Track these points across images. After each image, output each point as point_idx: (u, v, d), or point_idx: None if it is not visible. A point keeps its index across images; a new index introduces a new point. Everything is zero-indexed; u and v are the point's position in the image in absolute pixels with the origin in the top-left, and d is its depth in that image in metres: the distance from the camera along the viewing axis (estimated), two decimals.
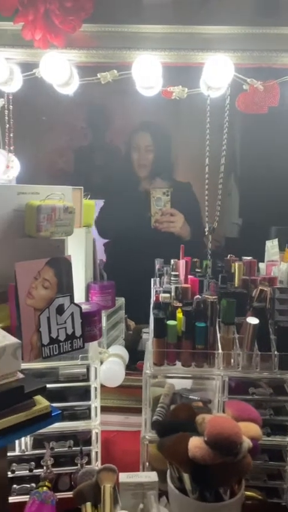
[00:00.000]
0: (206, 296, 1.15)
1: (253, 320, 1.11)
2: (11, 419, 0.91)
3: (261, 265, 1.45)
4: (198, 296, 1.17)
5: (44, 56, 1.32)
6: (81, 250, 1.36)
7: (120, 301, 1.66)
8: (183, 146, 1.57)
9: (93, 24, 1.38)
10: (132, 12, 1.39)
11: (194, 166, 1.56)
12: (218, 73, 1.32)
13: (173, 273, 1.39)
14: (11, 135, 1.47)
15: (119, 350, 1.53)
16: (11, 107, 1.47)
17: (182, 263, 1.42)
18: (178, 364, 1.15)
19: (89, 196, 1.49)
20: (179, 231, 1.61)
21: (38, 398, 0.97)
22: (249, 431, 0.95)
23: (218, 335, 1.14)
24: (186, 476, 0.94)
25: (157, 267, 1.55)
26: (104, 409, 1.31)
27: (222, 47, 1.36)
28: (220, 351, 1.13)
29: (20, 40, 1.36)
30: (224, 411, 1.12)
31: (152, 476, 1.03)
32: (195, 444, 0.90)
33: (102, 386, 1.36)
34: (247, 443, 0.91)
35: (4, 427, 0.90)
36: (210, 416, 0.98)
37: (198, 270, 1.52)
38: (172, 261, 1.44)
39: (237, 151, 1.54)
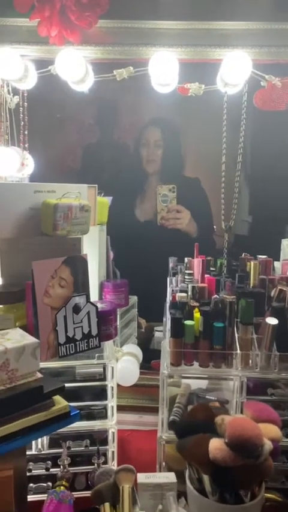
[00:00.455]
0: (224, 296, 1.14)
1: (272, 320, 1.09)
2: (31, 419, 0.91)
3: (277, 264, 1.43)
4: (216, 296, 1.15)
5: (59, 52, 1.31)
6: (95, 248, 1.35)
7: (133, 299, 1.65)
8: (194, 142, 1.56)
9: (109, 20, 1.36)
10: (148, 8, 1.37)
11: (204, 162, 1.55)
12: (235, 69, 1.30)
13: (187, 271, 1.38)
14: (26, 132, 1.46)
15: (133, 349, 1.53)
16: (26, 104, 1.46)
17: (196, 262, 1.40)
18: (195, 364, 1.14)
19: (102, 194, 1.48)
20: (186, 228, 1.59)
21: (57, 398, 0.97)
22: (269, 432, 0.94)
23: (236, 335, 1.13)
24: (206, 478, 0.93)
25: (171, 265, 1.54)
26: (118, 408, 1.30)
27: (240, 43, 1.34)
28: (238, 351, 1.12)
29: (36, 37, 1.35)
30: (242, 412, 1.11)
31: (170, 477, 1.03)
32: (216, 446, 0.89)
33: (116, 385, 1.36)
34: (268, 445, 0.90)
35: (24, 426, 0.90)
36: (229, 417, 0.96)
37: (213, 269, 1.51)
38: (186, 260, 1.43)
39: (248, 148, 1.52)
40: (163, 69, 1.31)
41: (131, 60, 1.40)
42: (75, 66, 1.32)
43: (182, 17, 1.36)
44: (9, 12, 1.35)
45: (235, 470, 0.88)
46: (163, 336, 1.46)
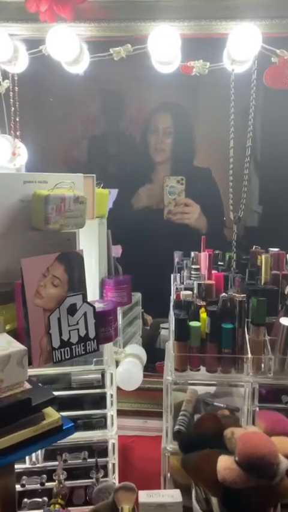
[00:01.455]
0: (234, 294, 1.03)
1: (287, 321, 0.99)
2: (18, 435, 0.82)
3: None
4: (224, 294, 1.05)
5: (50, 29, 1.20)
6: (94, 244, 1.27)
7: (137, 296, 1.57)
8: (203, 128, 1.45)
9: None
10: None
11: (214, 150, 1.45)
12: (243, 44, 1.19)
13: (193, 266, 1.29)
14: (17, 119, 1.36)
15: (137, 350, 1.44)
16: (17, 88, 1.36)
17: (203, 256, 1.30)
18: (202, 369, 1.04)
19: (102, 184, 1.38)
20: (194, 223, 1.50)
21: (48, 410, 0.88)
22: (285, 448, 0.84)
23: (247, 337, 1.03)
24: (214, 499, 0.84)
25: (176, 260, 1.45)
26: (121, 413, 1.22)
27: (248, 15, 1.23)
28: (249, 355, 1.02)
29: (25, 14, 1.25)
30: (254, 422, 1.01)
31: (175, 496, 0.93)
32: (225, 465, 0.80)
33: (118, 389, 1.28)
34: (285, 463, 0.80)
35: (11, 444, 0.81)
36: (240, 431, 0.87)
37: (221, 263, 1.41)
38: (192, 254, 1.34)
39: (257, 132, 1.40)
40: (164, 45, 1.20)
41: (129, 37, 1.30)
42: (68, 45, 1.22)
43: None
44: None
45: (247, 493, 0.79)
46: (168, 335, 1.38)
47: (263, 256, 1.26)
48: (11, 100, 1.35)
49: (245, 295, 1.03)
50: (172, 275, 1.35)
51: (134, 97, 1.45)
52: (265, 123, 1.39)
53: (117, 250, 1.46)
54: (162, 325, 1.64)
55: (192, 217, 1.50)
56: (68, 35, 1.21)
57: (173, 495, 0.94)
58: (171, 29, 1.20)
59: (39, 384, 0.97)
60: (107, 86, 1.44)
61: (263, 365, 1.03)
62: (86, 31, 1.30)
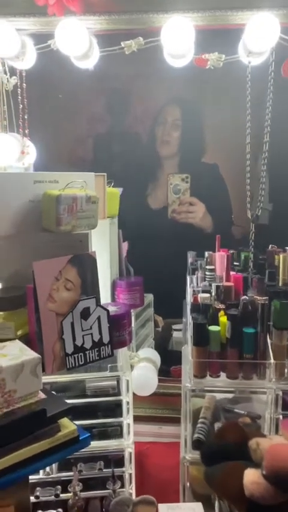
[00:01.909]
0: (255, 297, 0.99)
1: None
2: (33, 448, 0.78)
3: None
4: (245, 297, 1.00)
5: (60, 23, 1.15)
6: (105, 244, 1.23)
7: (149, 297, 1.53)
8: (213, 123, 1.41)
9: None
10: None
11: (223, 146, 1.41)
12: (260, 35, 1.14)
13: (208, 267, 1.24)
14: (26, 116, 1.32)
15: (150, 353, 1.40)
16: (25, 85, 1.31)
17: (218, 256, 1.26)
18: (222, 375, 1.00)
19: (112, 183, 1.33)
20: (199, 222, 1.46)
21: (64, 421, 0.84)
22: None
23: (269, 342, 0.99)
24: None
25: (189, 260, 1.40)
26: (135, 419, 1.17)
27: (266, 3, 1.18)
28: (272, 360, 0.98)
29: (33, 7, 1.21)
30: (277, 430, 0.97)
31: (197, 510, 0.89)
32: (252, 479, 0.75)
33: (133, 394, 1.23)
34: None
35: (25, 457, 0.77)
36: (266, 442, 0.82)
37: (236, 264, 1.37)
38: (206, 254, 1.29)
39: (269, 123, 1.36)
40: (177, 38, 1.15)
41: (141, 30, 1.25)
42: (78, 39, 1.17)
43: None
44: None
45: (275, 508, 0.74)
46: (183, 339, 1.34)
47: (281, 256, 1.21)
48: (19, 97, 1.31)
49: (267, 297, 0.98)
50: (188, 277, 1.30)
51: (143, 92, 1.41)
52: (274, 119, 1.34)
53: (124, 247, 1.41)
54: (174, 327, 1.60)
55: (197, 216, 1.46)
56: (77, 28, 1.17)
57: (194, 508, 0.90)
58: (184, 21, 1.15)
59: (53, 393, 0.93)
60: (115, 81, 1.40)
61: (286, 370, 0.99)
62: (95, 24, 1.25)
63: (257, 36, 1.14)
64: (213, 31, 1.25)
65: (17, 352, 0.81)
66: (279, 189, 1.42)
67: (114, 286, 1.29)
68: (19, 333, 1.02)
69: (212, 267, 1.25)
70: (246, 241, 1.37)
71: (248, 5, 1.19)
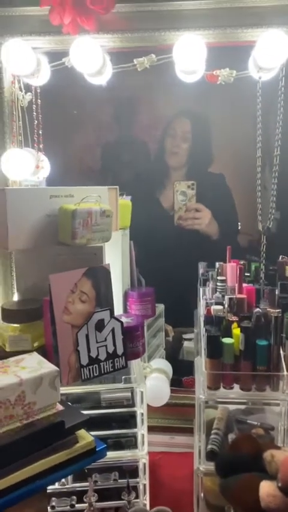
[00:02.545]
0: (268, 309, 1.00)
1: None
2: (50, 460, 0.80)
3: None
4: (258, 310, 1.01)
5: (74, 41, 1.19)
6: (117, 255, 1.25)
7: (160, 307, 1.53)
8: (222, 135, 1.42)
9: (127, 3, 1.23)
10: None
11: (231, 157, 1.42)
12: (271, 51, 1.15)
13: (219, 278, 1.25)
14: (40, 132, 1.35)
15: (162, 364, 1.41)
16: (39, 101, 1.34)
17: (229, 267, 1.27)
18: (236, 387, 1.00)
19: (124, 195, 1.36)
20: (205, 228, 1.46)
21: (81, 432, 0.86)
22: None
23: (282, 354, 0.99)
24: None
25: (200, 271, 1.41)
26: (148, 429, 1.18)
27: (276, 21, 1.19)
28: (285, 372, 0.98)
29: (48, 26, 1.23)
30: None
31: None
32: (268, 491, 0.76)
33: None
34: None
35: (43, 469, 0.79)
36: (281, 454, 0.83)
37: (247, 274, 1.37)
38: (217, 265, 1.30)
39: (272, 139, 1.37)
40: (189, 55, 1.18)
41: (153, 47, 1.27)
42: (92, 57, 1.20)
43: None
44: (18, 0, 1.24)
45: None
46: (194, 350, 1.35)
47: None
48: (34, 113, 1.34)
49: (280, 310, 0.99)
50: (200, 288, 1.31)
51: (154, 104, 1.42)
52: (284, 131, 1.36)
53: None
54: (184, 336, 1.60)
55: (203, 222, 1.46)
56: (91, 46, 1.20)
57: None
58: (196, 38, 1.18)
59: (70, 404, 0.95)
60: (126, 93, 1.42)
61: None
62: (109, 42, 1.28)
63: (267, 53, 1.16)
64: (224, 48, 1.27)
65: (35, 365, 0.83)
66: (286, 197, 1.43)
67: (126, 297, 1.31)
68: (35, 344, 1.04)
69: (223, 277, 1.26)
70: (252, 249, 1.38)
71: (259, 22, 1.21)
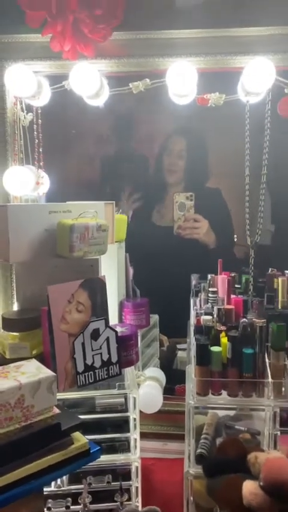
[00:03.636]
0: (254, 319, 1.06)
1: None
2: (47, 459, 0.85)
3: None
4: (244, 319, 1.07)
5: (73, 67, 1.26)
6: (113, 267, 1.31)
7: (154, 318, 1.58)
8: (216, 152, 1.49)
9: (123, 32, 1.31)
10: (164, 17, 1.31)
11: (226, 173, 1.48)
12: (257, 77, 1.23)
13: (210, 289, 1.31)
14: (40, 150, 1.42)
15: (156, 373, 1.46)
16: (40, 121, 1.42)
17: (220, 279, 1.33)
18: (224, 393, 1.06)
19: (120, 210, 1.42)
20: (203, 237, 1.52)
21: (76, 434, 0.91)
22: None
23: (267, 362, 1.05)
24: None
25: (193, 283, 1.47)
26: (141, 436, 1.22)
27: (262, 49, 1.27)
28: (270, 379, 1.04)
29: (48, 52, 1.31)
30: (275, 446, 1.02)
31: None
32: (250, 490, 0.81)
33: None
34: None
35: (40, 468, 0.84)
36: (264, 456, 0.88)
37: (238, 286, 1.43)
38: (209, 276, 1.37)
39: (271, 155, 1.43)
40: (181, 80, 1.25)
41: (147, 72, 1.35)
42: (90, 80, 1.27)
43: (199, 25, 1.30)
44: (21, 29, 1.32)
45: None
46: (187, 359, 1.40)
47: (280, 280, 1.28)
48: (35, 132, 1.41)
49: (265, 320, 1.05)
50: (192, 299, 1.37)
51: (151, 125, 1.49)
52: (279, 147, 1.43)
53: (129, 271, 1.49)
54: (178, 346, 1.65)
55: (201, 231, 1.52)
56: (89, 71, 1.27)
57: None
58: (187, 64, 1.26)
59: (66, 408, 1.00)
60: (123, 114, 1.49)
61: (283, 389, 1.05)
62: (106, 67, 1.35)
63: (254, 79, 1.23)
64: (214, 73, 1.34)
65: (34, 371, 0.88)
66: (281, 211, 1.49)
67: (121, 307, 1.36)
68: (34, 352, 1.09)
69: (215, 289, 1.32)
70: (248, 261, 1.43)
71: (246, 50, 1.28)
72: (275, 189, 1.44)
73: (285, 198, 1.47)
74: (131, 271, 1.45)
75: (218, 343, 1.07)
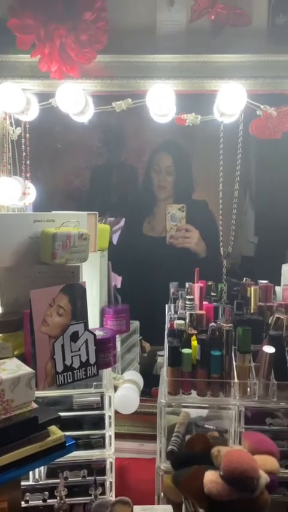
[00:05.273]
0: (221, 324, 1.14)
1: (269, 349, 1.09)
2: (25, 450, 0.91)
3: (278, 289, 1.43)
4: (213, 324, 1.15)
5: (59, 87, 1.35)
6: (95, 275, 1.36)
7: (135, 324, 1.65)
8: (200, 167, 1.58)
9: (107, 55, 1.40)
10: (145, 42, 1.41)
11: (210, 186, 1.56)
12: (231, 100, 1.33)
13: (188, 297, 1.38)
14: (28, 162, 1.50)
15: (134, 376, 1.52)
16: (28, 135, 1.50)
17: (196, 287, 1.41)
18: (193, 393, 1.13)
19: (104, 220, 1.50)
20: (195, 247, 1.60)
21: (52, 428, 0.97)
22: (265, 465, 0.92)
23: (234, 363, 1.13)
24: (202, 511, 0.92)
25: (171, 291, 1.54)
26: (118, 436, 1.28)
27: (235, 74, 1.37)
28: (236, 380, 1.11)
29: (37, 71, 1.40)
30: (240, 442, 1.09)
31: (167, 510, 1.01)
32: (211, 479, 0.88)
33: (116, 412, 1.35)
34: (264, 478, 0.88)
35: (19, 458, 0.90)
36: (225, 449, 0.95)
37: (214, 294, 1.51)
38: (187, 285, 1.43)
39: (252, 172, 1.54)
40: (160, 100, 1.35)
41: (129, 92, 1.44)
42: (75, 99, 1.36)
43: (178, 51, 1.40)
44: (11, 50, 1.41)
45: (231, 505, 0.87)
46: (163, 362, 1.46)
47: (252, 288, 1.36)
48: (23, 146, 1.49)
49: (231, 324, 1.13)
50: (167, 305, 1.44)
51: (137, 143, 1.58)
52: (259, 164, 1.53)
53: (117, 280, 1.56)
54: (159, 353, 1.70)
55: (192, 241, 1.59)
56: (74, 91, 1.36)
57: (165, 509, 1.02)
58: (166, 86, 1.35)
59: (43, 403, 1.06)
60: (109, 129, 1.57)
61: (248, 389, 1.11)
62: (91, 86, 1.44)
63: (228, 102, 1.33)
64: (191, 95, 1.44)
65: (14, 368, 0.95)
66: (264, 224, 1.58)
67: (103, 313, 1.42)
68: (16, 352, 1.15)
69: (192, 296, 1.39)
70: (234, 269, 1.51)
71: (221, 75, 1.38)
72: (258, 203, 1.53)
73: (267, 211, 1.56)
74: (119, 279, 1.51)
75: (189, 346, 1.14)
